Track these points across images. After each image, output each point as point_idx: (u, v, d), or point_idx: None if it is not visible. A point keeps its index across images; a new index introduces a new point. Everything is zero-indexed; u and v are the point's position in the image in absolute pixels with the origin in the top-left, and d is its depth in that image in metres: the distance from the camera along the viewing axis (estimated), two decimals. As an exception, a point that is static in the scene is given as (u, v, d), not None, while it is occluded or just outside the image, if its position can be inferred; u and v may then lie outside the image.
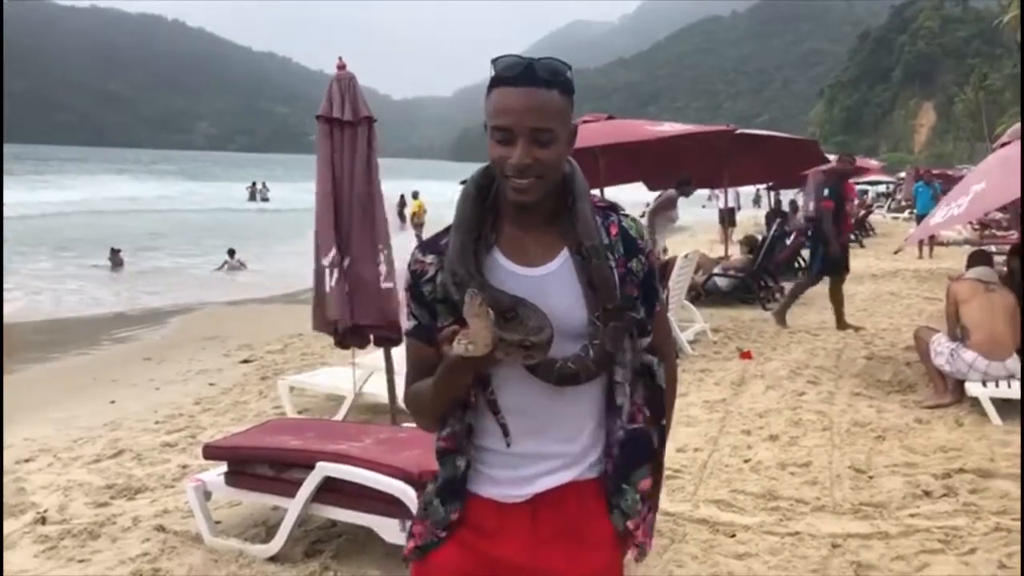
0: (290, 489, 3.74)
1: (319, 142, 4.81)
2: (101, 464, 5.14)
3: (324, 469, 3.62)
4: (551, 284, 1.58)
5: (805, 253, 14.73)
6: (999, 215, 16.72)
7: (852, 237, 20.72)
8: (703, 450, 5.15)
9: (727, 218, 16.29)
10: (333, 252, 4.77)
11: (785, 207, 18.86)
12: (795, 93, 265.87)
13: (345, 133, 4.78)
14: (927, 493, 4.36)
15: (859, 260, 16.80)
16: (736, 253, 12.26)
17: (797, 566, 3.61)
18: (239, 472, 3.94)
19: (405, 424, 4.44)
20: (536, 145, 1.51)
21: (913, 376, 6.72)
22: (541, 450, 1.62)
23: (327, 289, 4.71)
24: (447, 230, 1.64)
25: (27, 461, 5.22)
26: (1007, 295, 6.07)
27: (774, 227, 12.42)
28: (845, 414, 5.83)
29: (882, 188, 42.48)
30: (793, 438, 5.35)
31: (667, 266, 8.08)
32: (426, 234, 2.19)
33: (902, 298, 11.40)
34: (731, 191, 19.65)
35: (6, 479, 4.87)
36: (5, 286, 15.51)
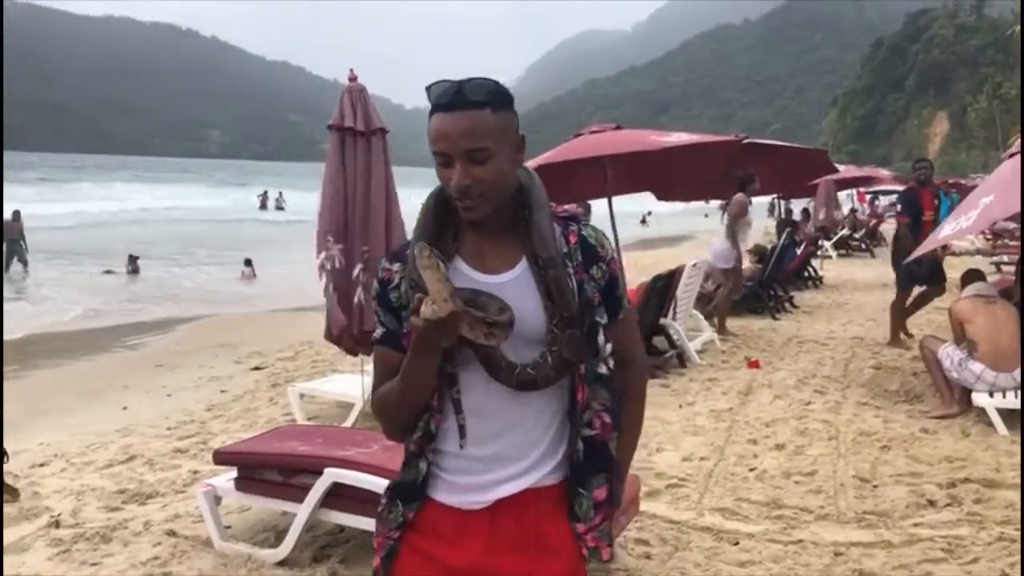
0: (298, 494, 3.80)
1: (330, 151, 4.89)
2: (113, 469, 5.21)
3: (332, 475, 3.68)
4: (511, 291, 1.62)
5: (815, 263, 14.80)
6: (1012, 225, 16.65)
7: (863, 247, 20.78)
8: (709, 459, 5.18)
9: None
10: (338, 257, 4.85)
11: (796, 216, 18.87)
12: (808, 101, 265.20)
13: (358, 143, 4.86)
14: (931, 503, 4.38)
15: (870, 270, 16.81)
16: (745, 262, 12.27)
17: (800, 574, 3.65)
18: (248, 477, 4.00)
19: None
20: (473, 164, 1.56)
21: (920, 386, 6.73)
22: (501, 453, 1.65)
23: (330, 296, 4.79)
24: None
25: (41, 466, 5.29)
26: (1008, 306, 6.12)
27: (783, 236, 12.43)
28: (851, 424, 5.85)
29: (894, 198, 42.29)
30: (799, 447, 5.38)
31: (674, 275, 8.11)
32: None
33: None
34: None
35: (22, 483, 4.95)
36: (25, 295, 15.74)
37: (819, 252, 16.21)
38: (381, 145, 4.83)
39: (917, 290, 8.78)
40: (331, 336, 5.31)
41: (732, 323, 10.05)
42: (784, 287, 12.03)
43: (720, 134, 9.62)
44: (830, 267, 16.36)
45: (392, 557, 1.71)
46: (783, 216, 17.51)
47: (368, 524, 3.69)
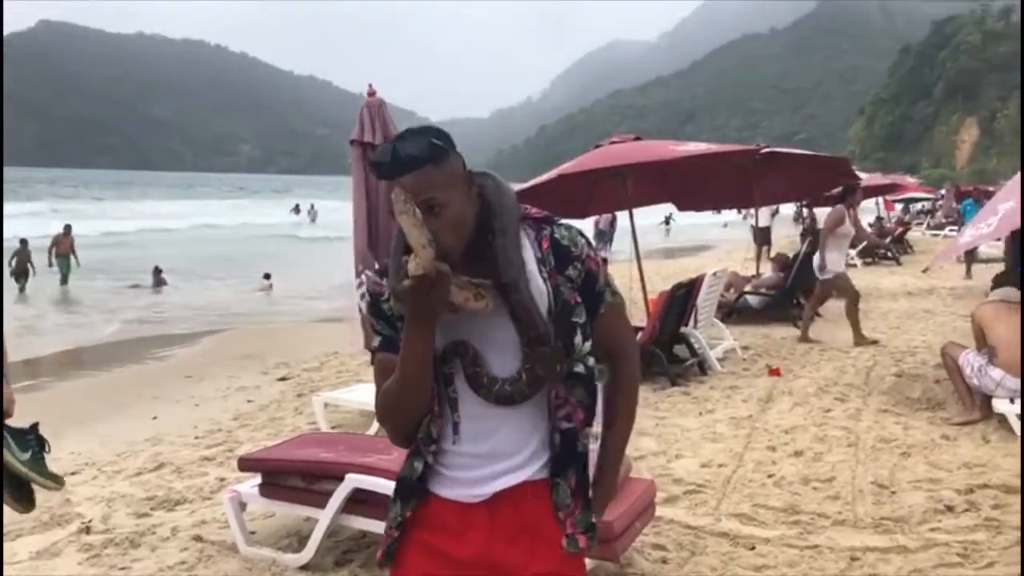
0: (321, 500, 3.89)
1: (353, 166, 5.00)
2: (143, 477, 5.34)
3: (353, 481, 3.76)
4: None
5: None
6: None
7: (889, 255, 20.63)
8: (727, 465, 5.21)
9: (759, 236, 16.27)
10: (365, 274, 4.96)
11: (820, 225, 18.75)
12: (835, 110, 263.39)
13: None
14: (949, 508, 4.39)
15: (895, 278, 16.68)
16: (768, 271, 12.27)
17: (814, 578, 3.68)
18: (272, 484, 4.09)
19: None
20: (428, 213, 1.61)
21: (942, 393, 6.71)
22: (496, 450, 1.73)
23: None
24: None
25: (73, 474, 5.42)
26: (1031, 313, 6.06)
27: (805, 245, 12.41)
28: (871, 431, 5.85)
29: (919, 206, 41.95)
30: (818, 454, 5.39)
31: (695, 284, 8.14)
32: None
33: (936, 315, 11.32)
34: (769, 209, 19.60)
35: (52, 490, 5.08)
36: (55, 308, 16.05)
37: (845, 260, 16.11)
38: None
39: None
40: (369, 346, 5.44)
41: (753, 331, 10.05)
42: (807, 296, 11.99)
43: (746, 144, 9.66)
44: (855, 275, 16.16)
45: (393, 553, 1.78)
46: (807, 225, 17.44)
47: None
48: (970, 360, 6.02)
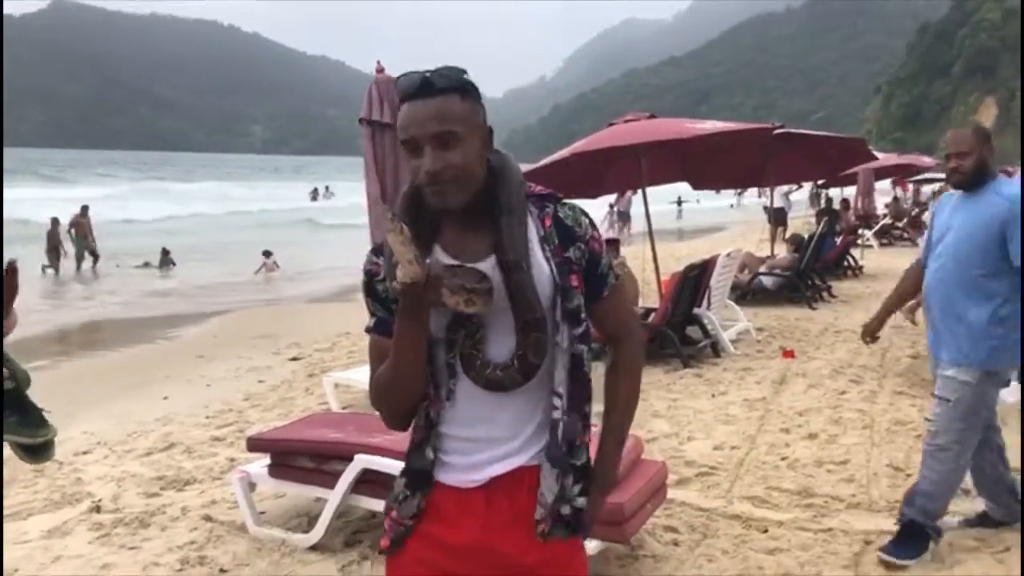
0: (330, 481, 3.87)
1: (364, 145, 4.94)
2: (153, 457, 5.34)
3: (362, 461, 3.74)
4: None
5: (856, 252, 14.59)
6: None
7: (905, 236, 20.45)
8: (740, 448, 5.17)
9: (774, 217, 16.14)
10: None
11: (836, 205, 18.64)
12: (852, 89, 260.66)
13: (386, 135, 4.91)
14: (965, 492, 4.31)
15: (911, 258, 16.49)
16: (783, 252, 12.16)
17: (828, 562, 3.63)
18: (281, 464, 4.08)
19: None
20: (443, 149, 1.57)
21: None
22: (491, 436, 1.68)
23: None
24: None
25: (85, 453, 5.44)
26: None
27: (821, 225, 12.29)
28: (886, 413, 5.79)
29: (936, 186, 41.53)
30: (832, 436, 5.34)
31: (708, 265, 8.07)
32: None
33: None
34: (784, 189, 19.45)
35: (66, 470, 5.10)
36: (67, 288, 16.12)
37: (860, 241, 15.98)
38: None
39: None
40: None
41: (767, 313, 9.98)
42: (822, 277, 11.90)
43: (761, 123, 9.55)
44: (871, 256, 16.12)
45: (402, 538, 1.74)
46: (823, 205, 17.30)
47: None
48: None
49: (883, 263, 15.78)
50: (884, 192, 25.49)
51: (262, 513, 4.27)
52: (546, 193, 1.75)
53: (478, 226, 1.66)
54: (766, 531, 3.96)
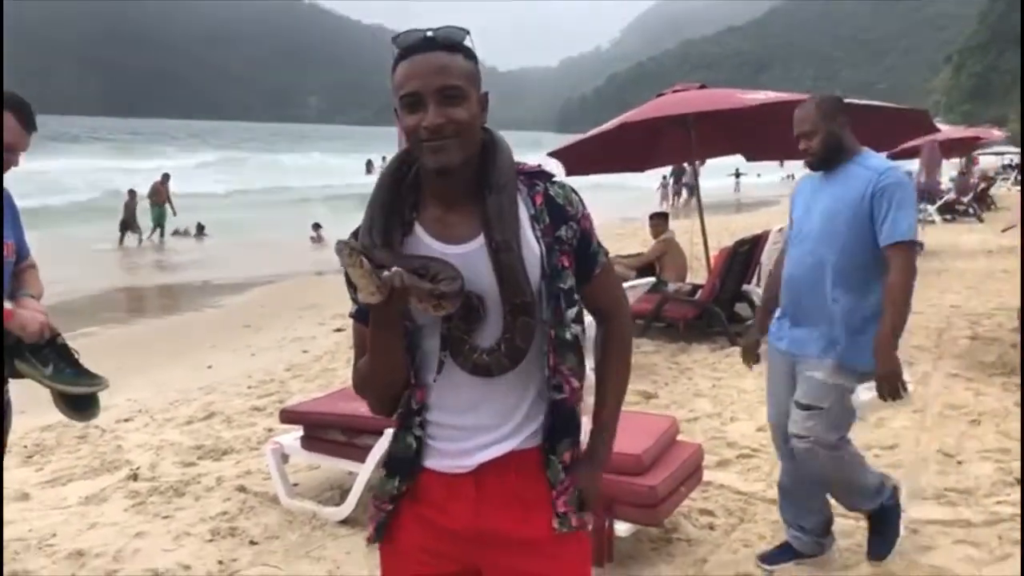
0: (361, 455, 3.84)
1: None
2: (193, 426, 5.38)
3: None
4: (471, 262, 1.57)
5: (917, 228, 14.13)
6: None
7: (970, 211, 19.81)
8: (784, 429, 5.01)
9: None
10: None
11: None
12: (918, 60, 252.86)
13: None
14: (1019, 481, 4.14)
15: (975, 235, 16.02)
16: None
17: (869, 551, 3.49)
18: (314, 436, 4.06)
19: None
20: (447, 105, 1.51)
21: (1019, 359, 6.36)
22: (479, 423, 1.64)
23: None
24: None
25: (126, 421, 5.52)
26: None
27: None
28: (939, 396, 5.58)
29: (1007, 160, 40.20)
30: (881, 419, 5.14)
31: (759, 240, 7.86)
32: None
33: (1016, 276, 10.74)
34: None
35: (107, 437, 5.17)
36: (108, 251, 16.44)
37: (922, 217, 15.49)
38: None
39: None
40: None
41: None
42: (880, 253, 11.55)
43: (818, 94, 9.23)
44: (933, 232, 15.63)
45: (384, 528, 1.70)
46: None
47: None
48: (1050, 324, 5.68)
49: (945, 239, 15.31)
50: (950, 165, 24.67)
51: (295, 485, 4.27)
52: (536, 170, 1.68)
53: (464, 205, 1.60)
54: (807, 517, 3.82)
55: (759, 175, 37.26)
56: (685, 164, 18.01)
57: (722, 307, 7.46)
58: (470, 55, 1.57)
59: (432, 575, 1.68)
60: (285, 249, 16.90)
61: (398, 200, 1.62)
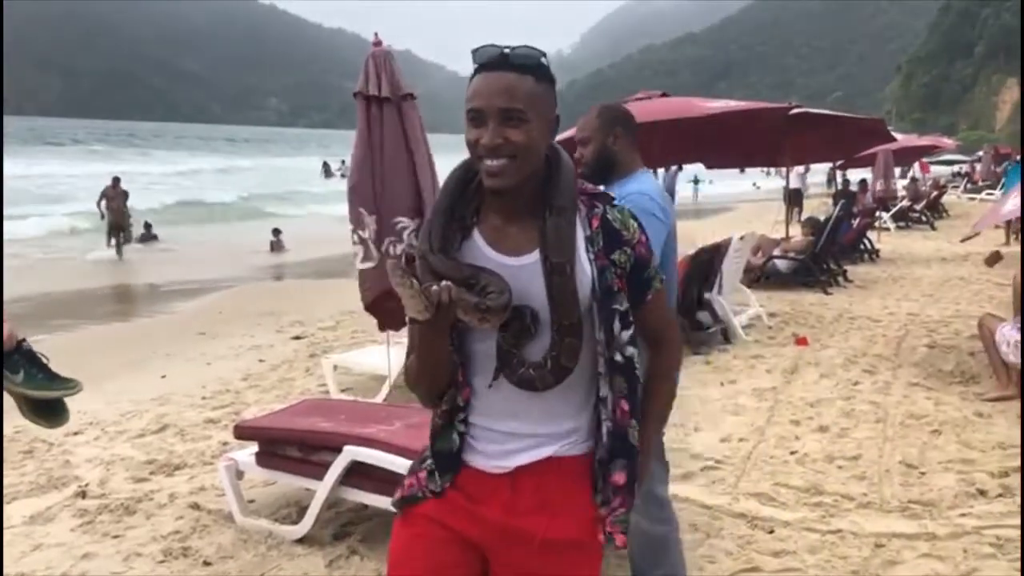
0: (318, 472, 3.72)
1: (358, 119, 4.77)
2: (145, 439, 5.22)
3: (351, 453, 3.59)
4: (526, 275, 1.61)
5: (872, 235, 14.31)
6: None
7: (923, 219, 20.12)
8: (748, 440, 5.00)
9: (791, 198, 15.86)
10: (371, 228, 4.74)
11: (854, 187, 18.33)
12: (871, 69, 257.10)
13: (384, 110, 4.73)
14: (981, 492, 4.16)
15: (929, 243, 16.27)
16: (798, 235, 11.92)
17: (836, 566, 3.47)
18: (270, 453, 3.94)
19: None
20: (506, 126, 1.54)
21: (977, 367, 6.44)
22: (520, 431, 1.67)
23: (359, 267, 4.70)
24: None
25: (76, 434, 5.33)
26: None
27: (837, 208, 12.02)
28: (900, 405, 5.61)
29: (956, 168, 41.02)
30: (844, 429, 5.16)
31: (720, 248, 7.87)
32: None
33: (971, 283, 10.94)
34: (800, 170, 19.14)
35: (55, 451, 4.99)
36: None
37: (877, 224, 15.69)
38: (411, 111, 4.69)
39: None
40: (367, 308, 5.24)
41: (781, 298, 9.77)
42: (838, 261, 11.66)
43: (777, 102, 9.30)
44: (888, 240, 15.84)
45: (415, 501, 1.72)
46: (840, 187, 17.01)
47: (389, 503, 3.61)
48: (1006, 335, 5.74)
49: (900, 246, 15.53)
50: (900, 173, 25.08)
51: (251, 502, 4.14)
52: (597, 192, 1.72)
53: (523, 218, 1.64)
54: (772, 532, 3.79)
55: (710, 181, 37.53)
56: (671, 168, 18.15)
57: (683, 315, 7.43)
58: (543, 77, 1.60)
59: (440, 544, 1.69)
60: (243, 253, 16.64)
61: (461, 203, 1.66)
